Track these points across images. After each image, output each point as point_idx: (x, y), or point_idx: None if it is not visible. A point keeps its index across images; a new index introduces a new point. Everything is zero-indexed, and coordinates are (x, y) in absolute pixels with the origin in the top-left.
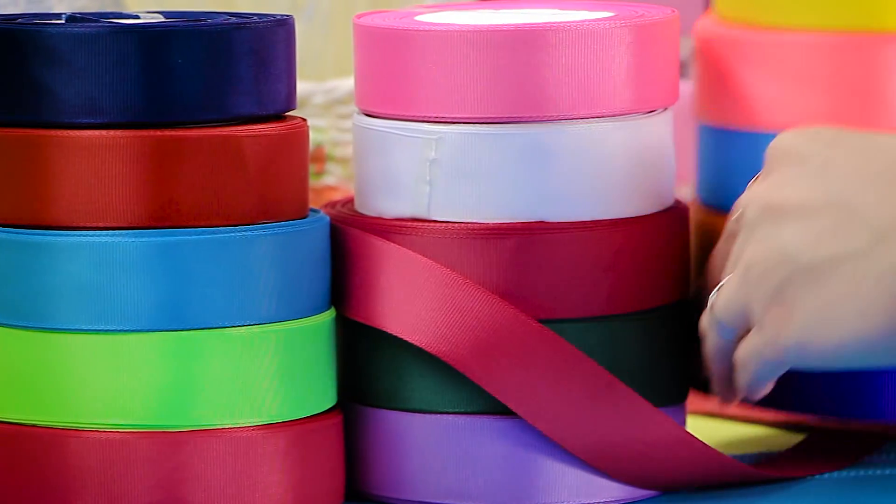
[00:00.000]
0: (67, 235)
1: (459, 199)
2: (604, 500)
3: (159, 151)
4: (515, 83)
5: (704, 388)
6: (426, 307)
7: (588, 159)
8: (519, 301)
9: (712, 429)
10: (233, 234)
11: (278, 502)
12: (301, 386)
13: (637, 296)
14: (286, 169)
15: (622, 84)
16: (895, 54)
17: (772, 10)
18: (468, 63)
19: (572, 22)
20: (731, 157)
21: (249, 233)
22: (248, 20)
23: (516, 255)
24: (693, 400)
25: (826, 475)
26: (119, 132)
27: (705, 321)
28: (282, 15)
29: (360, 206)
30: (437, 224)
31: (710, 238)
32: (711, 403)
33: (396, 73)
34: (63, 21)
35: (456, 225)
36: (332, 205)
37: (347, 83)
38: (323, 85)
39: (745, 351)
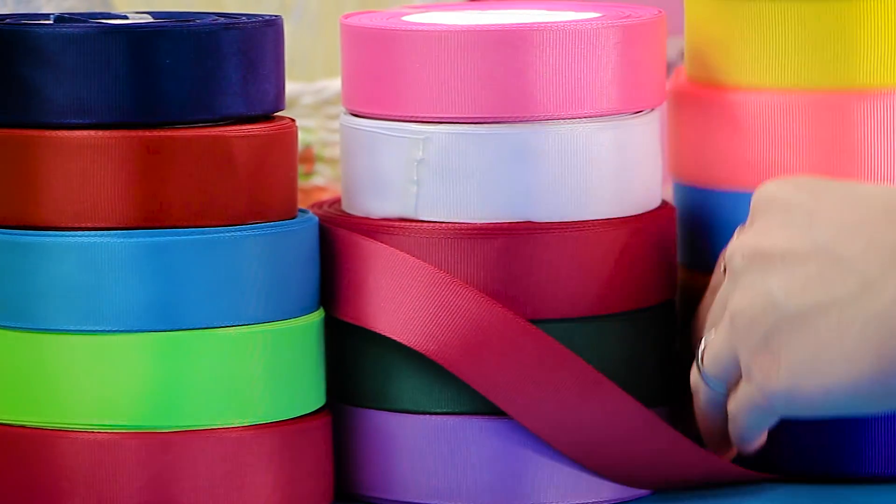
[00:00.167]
0: (56, 236)
1: (447, 199)
2: (593, 500)
3: (148, 152)
4: (503, 83)
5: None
6: (414, 306)
7: (575, 159)
8: (506, 301)
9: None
10: (222, 235)
11: (267, 503)
12: (290, 386)
13: (624, 296)
14: (275, 169)
15: (609, 84)
16: (867, 110)
17: (742, 72)
18: (455, 63)
19: (559, 22)
20: (707, 217)
21: (238, 233)
22: (236, 21)
23: (503, 255)
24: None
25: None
26: (107, 132)
27: (695, 376)
28: (270, 15)
29: (347, 207)
30: (425, 224)
31: (689, 296)
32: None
33: (384, 74)
34: (51, 21)
35: (443, 225)
36: (320, 205)
37: (336, 84)
38: (312, 85)
39: (736, 401)
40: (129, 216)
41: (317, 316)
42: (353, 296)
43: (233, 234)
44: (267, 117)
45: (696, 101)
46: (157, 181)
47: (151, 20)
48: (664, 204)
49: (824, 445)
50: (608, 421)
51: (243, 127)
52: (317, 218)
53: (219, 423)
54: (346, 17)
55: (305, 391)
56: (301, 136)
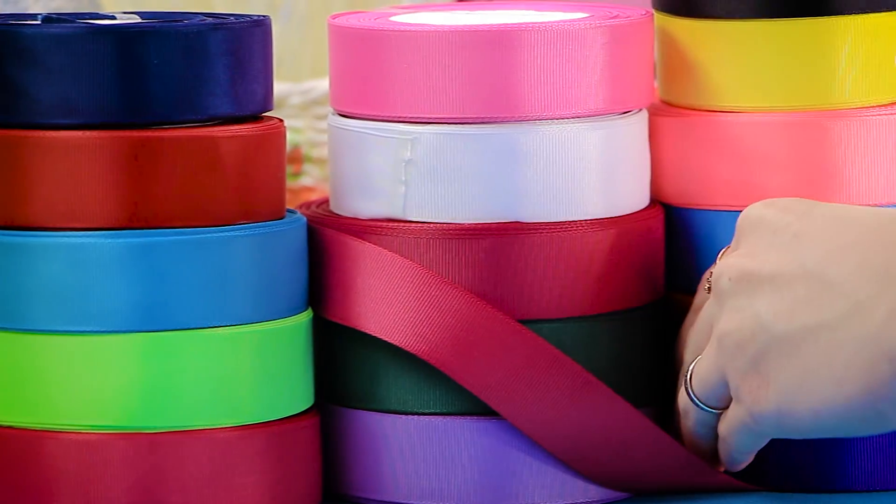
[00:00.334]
0: (44, 236)
1: (435, 200)
2: (581, 500)
3: (136, 152)
4: (490, 84)
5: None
6: (404, 306)
7: (563, 159)
8: (495, 301)
9: None
10: (210, 235)
11: (255, 503)
12: (278, 387)
13: (613, 296)
14: (263, 170)
15: (597, 84)
16: (845, 130)
17: (720, 95)
18: (443, 64)
19: (547, 22)
20: (687, 236)
21: (226, 233)
22: (224, 21)
23: (492, 256)
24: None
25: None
26: (95, 133)
27: (683, 398)
28: (258, 16)
29: (335, 207)
30: (413, 224)
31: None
32: None
33: (372, 74)
34: (39, 21)
35: (431, 225)
36: (307, 205)
37: (324, 84)
38: (300, 86)
39: (727, 423)
40: (117, 216)
41: (305, 316)
42: (341, 296)
43: (221, 234)
44: (255, 118)
45: (674, 121)
46: (145, 181)
47: (139, 20)
48: (653, 203)
49: (809, 461)
50: (597, 420)
51: (231, 127)
52: (305, 218)
53: (207, 424)
54: (334, 17)
55: (294, 391)
56: (289, 136)
